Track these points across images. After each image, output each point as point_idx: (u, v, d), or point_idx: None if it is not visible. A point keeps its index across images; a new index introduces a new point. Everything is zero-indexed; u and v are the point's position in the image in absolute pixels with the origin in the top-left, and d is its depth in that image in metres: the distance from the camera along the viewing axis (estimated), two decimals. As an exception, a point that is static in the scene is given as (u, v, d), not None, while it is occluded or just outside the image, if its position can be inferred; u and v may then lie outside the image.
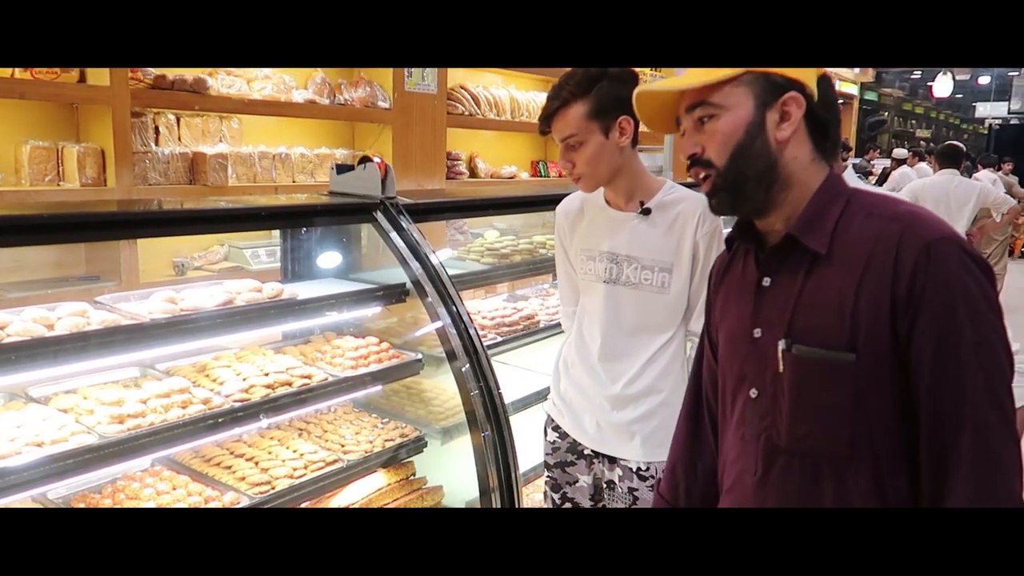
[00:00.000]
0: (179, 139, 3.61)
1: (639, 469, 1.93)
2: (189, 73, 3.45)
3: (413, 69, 4.50)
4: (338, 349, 2.31)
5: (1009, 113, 14.39)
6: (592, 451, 2.00)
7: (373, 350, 2.30)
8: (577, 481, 2.05)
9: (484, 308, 2.78)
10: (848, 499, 1.10)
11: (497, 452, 2.26)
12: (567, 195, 2.11)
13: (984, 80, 15.67)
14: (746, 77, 1.12)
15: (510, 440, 2.28)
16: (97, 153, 3.10)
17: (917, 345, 1.03)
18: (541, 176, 5.77)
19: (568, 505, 2.06)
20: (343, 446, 2.20)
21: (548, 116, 1.85)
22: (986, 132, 15.68)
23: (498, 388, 2.28)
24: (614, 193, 1.94)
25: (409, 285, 2.33)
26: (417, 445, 2.35)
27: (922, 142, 15.40)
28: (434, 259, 2.33)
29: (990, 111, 15.52)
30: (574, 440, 2.03)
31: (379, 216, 2.36)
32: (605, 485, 2.01)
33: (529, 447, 2.38)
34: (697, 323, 1.87)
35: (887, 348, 1.04)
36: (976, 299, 1.02)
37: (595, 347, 1.97)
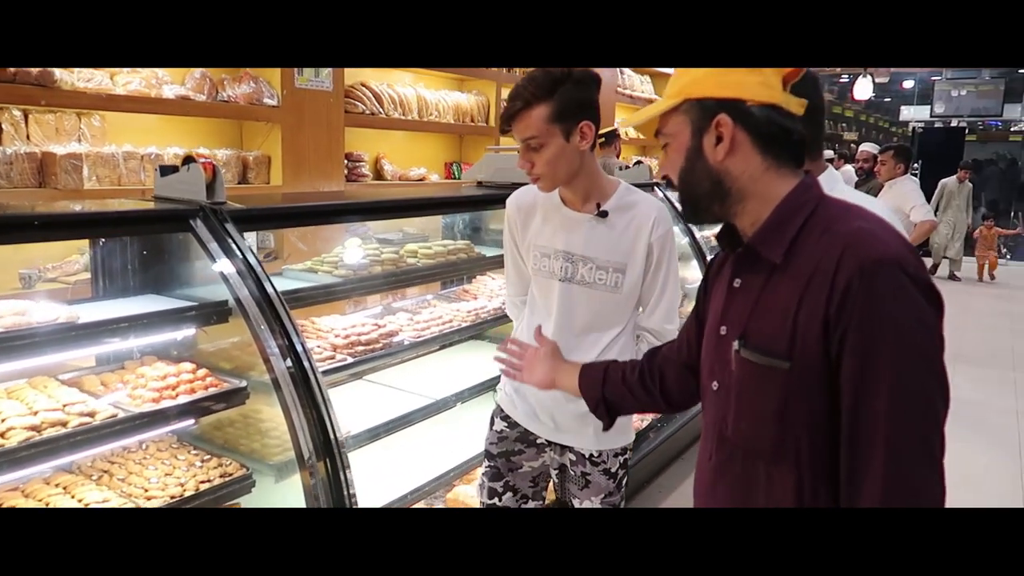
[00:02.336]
0: (27, 137, 3.20)
1: (591, 455, 2.00)
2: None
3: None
4: (142, 379, 1.95)
5: (931, 116, 14.52)
6: (547, 440, 2.04)
7: (185, 378, 1.94)
8: (522, 468, 2.08)
9: (339, 325, 2.45)
10: (775, 495, 1.13)
11: (331, 493, 1.94)
12: (451, 199, 1.90)
13: (908, 84, 15.79)
14: (684, 106, 1.16)
15: (346, 478, 1.95)
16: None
17: (845, 365, 1.03)
18: (455, 178, 5.45)
19: (509, 494, 2.08)
20: (146, 491, 1.85)
21: (509, 116, 1.82)
22: (911, 135, 15.85)
23: (332, 419, 1.95)
24: (571, 193, 1.93)
25: (232, 303, 2.00)
26: (244, 485, 2.01)
27: (852, 144, 15.44)
28: (261, 273, 1.99)
29: (913, 114, 15.65)
30: (526, 430, 2.05)
31: (198, 224, 2.01)
32: (557, 469, 2.08)
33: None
34: (649, 320, 1.99)
35: (818, 362, 1.05)
36: (904, 326, 1.01)
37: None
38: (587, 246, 1.91)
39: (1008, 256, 11.86)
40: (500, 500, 2.08)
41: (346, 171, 4.60)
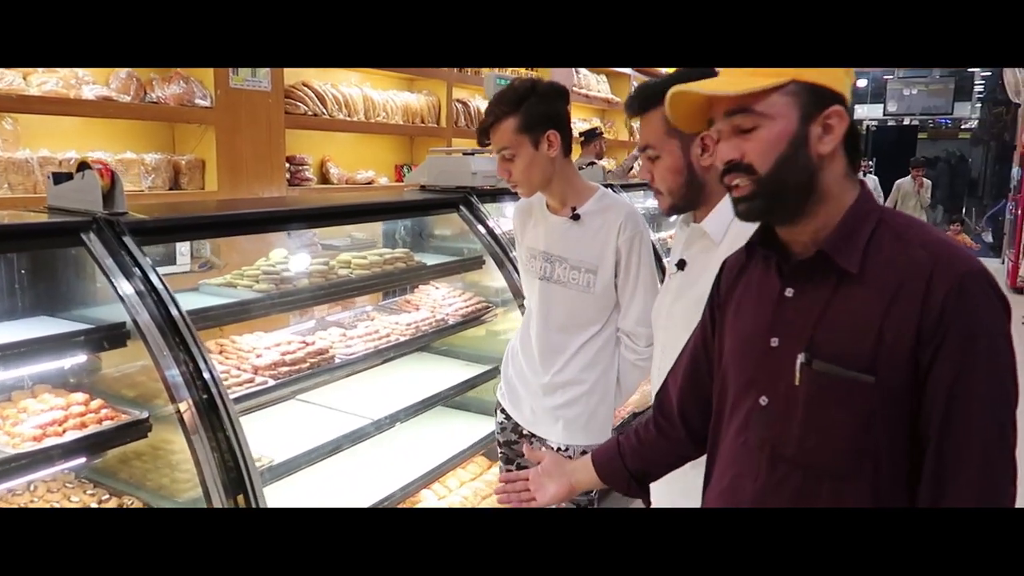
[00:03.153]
0: (-72, 142, 2.93)
1: (559, 449, 2.10)
2: (-68, 63, 2.78)
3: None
4: (24, 413, 1.72)
5: (884, 115, 14.63)
6: (529, 431, 2.18)
7: (76, 411, 1.72)
8: (523, 456, 2.17)
9: (262, 344, 2.23)
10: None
11: (244, 535, 1.72)
12: (388, 205, 2.23)
13: (861, 83, 15.93)
14: (791, 86, 1.06)
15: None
16: None
17: (936, 375, 1.02)
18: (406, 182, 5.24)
19: None
20: (30, 540, 1.62)
21: (484, 130, 2.00)
22: (864, 133, 15.99)
23: (244, 452, 1.74)
24: (551, 198, 2.07)
25: (130, 325, 1.78)
26: (147, 528, 1.79)
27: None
28: (163, 291, 1.78)
29: (867, 113, 15.79)
30: (516, 421, 2.21)
31: (91, 238, 1.79)
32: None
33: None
34: (625, 321, 2.05)
35: (906, 374, 1.03)
36: (995, 335, 1.02)
37: (533, 337, 2.12)
38: (562, 246, 2.03)
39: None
40: None
41: (288, 175, 4.37)
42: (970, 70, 14.45)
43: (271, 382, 2.07)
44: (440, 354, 3.19)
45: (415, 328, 2.66)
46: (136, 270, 1.76)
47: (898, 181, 10.75)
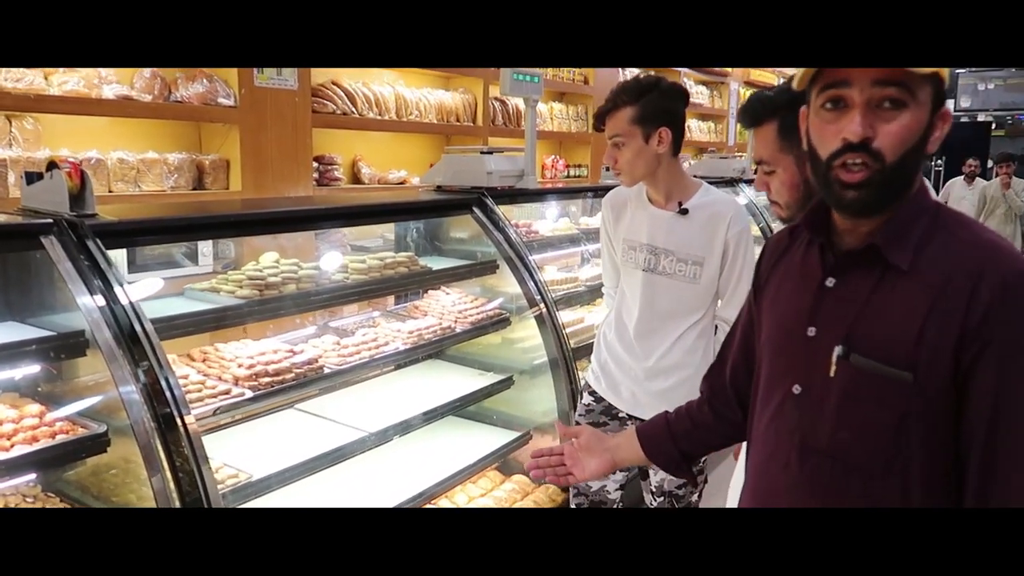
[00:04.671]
0: (-52, 142, 2.92)
1: None
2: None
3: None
4: (-26, 427, 1.62)
5: (956, 111, 13.86)
6: (627, 414, 2.22)
7: (28, 424, 1.61)
8: (608, 425, 2.25)
9: (246, 353, 2.10)
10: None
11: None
12: (398, 206, 2.24)
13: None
14: (933, 77, 1.01)
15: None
16: None
17: (979, 380, 0.98)
18: (440, 180, 5.10)
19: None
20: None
21: (600, 116, 2.06)
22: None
23: (202, 475, 1.61)
24: (655, 192, 2.12)
25: (90, 333, 1.67)
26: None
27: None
28: (124, 298, 1.66)
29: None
30: (610, 404, 2.26)
31: (52, 242, 1.68)
32: None
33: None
34: (726, 310, 2.11)
35: (946, 376, 0.99)
36: None
37: (631, 325, 2.17)
38: (668, 240, 2.09)
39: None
40: None
41: (317, 175, 4.27)
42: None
43: (249, 393, 1.94)
44: (454, 362, 3.03)
45: (418, 336, 2.51)
46: (94, 276, 1.65)
47: (983, 184, 8.46)
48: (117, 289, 1.66)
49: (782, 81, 1.65)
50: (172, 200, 3.49)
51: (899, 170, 1.01)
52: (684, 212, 2.08)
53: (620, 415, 2.24)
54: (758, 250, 1.39)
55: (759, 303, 1.26)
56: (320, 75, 4.25)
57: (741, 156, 5.95)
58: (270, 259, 2.25)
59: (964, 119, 14.55)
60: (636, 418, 2.19)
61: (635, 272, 2.15)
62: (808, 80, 1.05)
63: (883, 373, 1.02)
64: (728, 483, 1.68)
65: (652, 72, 5.85)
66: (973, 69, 13.33)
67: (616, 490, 2.34)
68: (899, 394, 1.01)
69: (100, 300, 1.63)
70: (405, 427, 2.38)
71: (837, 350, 1.06)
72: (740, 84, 9.97)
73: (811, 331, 1.10)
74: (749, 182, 5.23)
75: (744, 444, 1.35)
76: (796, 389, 1.12)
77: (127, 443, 1.72)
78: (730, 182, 5.12)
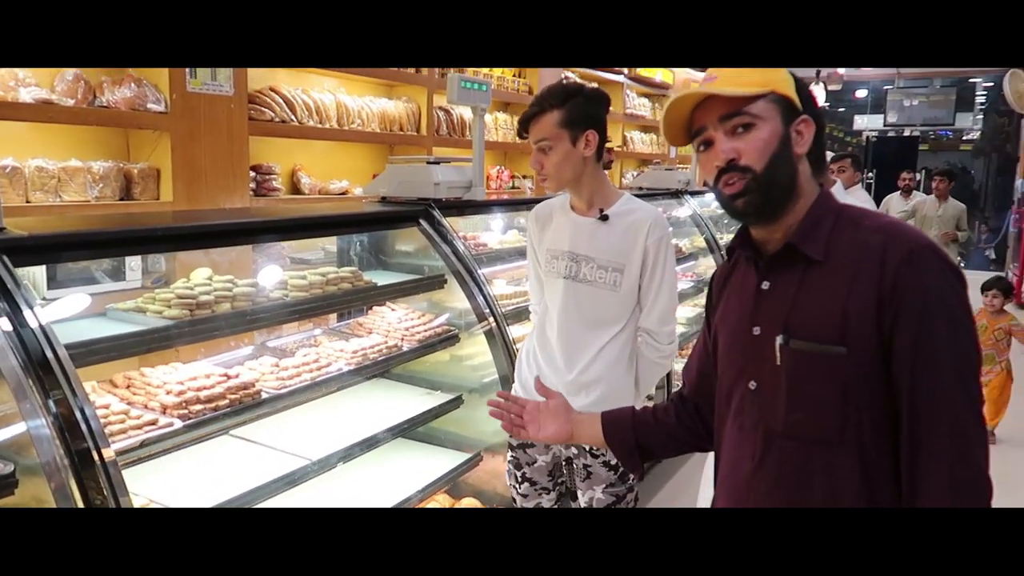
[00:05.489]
0: None
1: (591, 449, 2.11)
2: None
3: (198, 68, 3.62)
4: None
5: (885, 125, 14.30)
6: None
7: (-81, 467, 1.43)
8: (536, 462, 2.22)
9: (175, 378, 1.93)
10: (836, 479, 1.17)
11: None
12: (334, 219, 2.20)
13: (861, 93, 15.60)
14: (772, 95, 1.20)
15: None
16: None
17: (898, 340, 1.11)
18: (384, 191, 4.95)
19: (527, 484, 2.23)
20: None
21: (526, 120, 2.04)
22: (865, 144, 15.65)
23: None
24: (578, 199, 2.12)
25: (-7, 363, 1.48)
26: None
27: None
28: (33, 320, 1.48)
29: (867, 124, 15.46)
30: None
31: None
32: (564, 462, 2.21)
33: None
34: (647, 320, 2.11)
35: (873, 343, 1.13)
36: (949, 300, 1.12)
37: (554, 337, 2.14)
38: (589, 246, 2.08)
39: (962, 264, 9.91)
40: (520, 488, 2.24)
41: (255, 185, 4.09)
42: (972, 80, 14.15)
43: (178, 423, 1.78)
44: (401, 380, 2.90)
45: (362, 355, 2.37)
46: (2, 298, 1.47)
47: (919, 198, 8.03)
48: (27, 311, 1.49)
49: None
50: (96, 211, 3.27)
51: (771, 173, 1.18)
52: (605, 218, 2.07)
53: None
54: (711, 267, 1.48)
55: (712, 321, 1.40)
56: (257, 81, 4.07)
57: (685, 168, 5.96)
58: (202, 276, 2.08)
59: (891, 133, 15.04)
60: None
61: (557, 280, 2.13)
62: (692, 139, 1.25)
63: (820, 352, 1.15)
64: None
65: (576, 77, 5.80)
66: (900, 86, 13.78)
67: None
68: (837, 367, 1.14)
69: (6, 324, 1.45)
70: (349, 453, 2.23)
71: (778, 339, 1.19)
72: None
73: (756, 330, 1.24)
74: (694, 193, 5.23)
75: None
76: (752, 385, 1.25)
77: (38, 483, 1.54)
78: (675, 194, 5.12)
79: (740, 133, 1.19)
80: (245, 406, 1.93)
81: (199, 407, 1.84)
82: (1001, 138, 14.58)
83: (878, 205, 7.53)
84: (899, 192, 8.25)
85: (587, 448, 2.09)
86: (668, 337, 2.13)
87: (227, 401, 1.91)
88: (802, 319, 1.18)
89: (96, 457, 1.45)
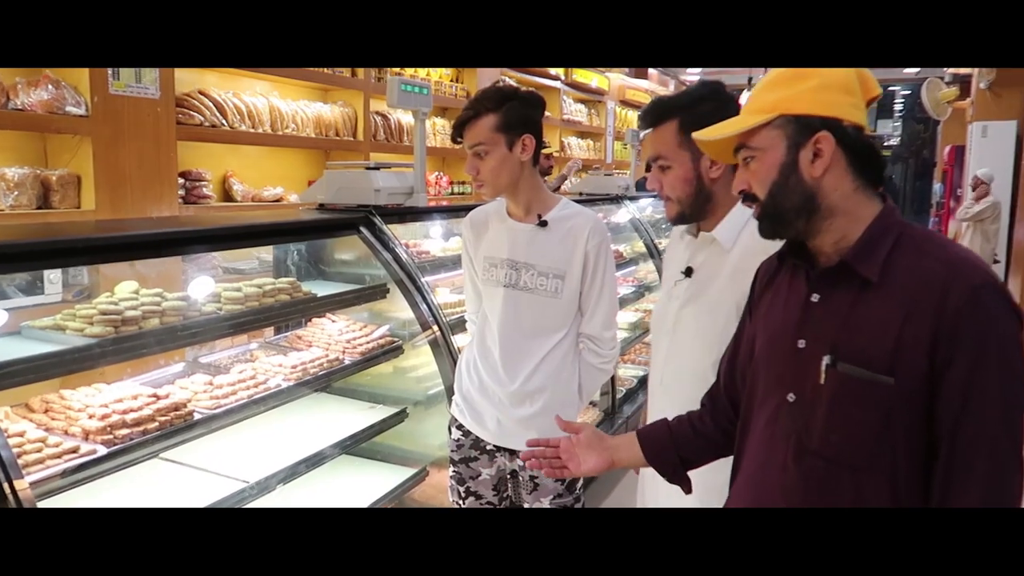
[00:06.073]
0: None
1: None
2: None
3: (121, 68, 3.44)
4: None
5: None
6: (494, 446, 2.11)
7: None
8: (480, 475, 2.15)
9: (99, 401, 1.79)
10: (864, 500, 1.15)
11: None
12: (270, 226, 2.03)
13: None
14: (779, 120, 1.18)
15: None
16: None
17: (950, 378, 1.08)
18: (320, 197, 4.80)
19: (471, 498, 2.16)
20: None
21: (461, 124, 1.97)
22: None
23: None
24: (515, 206, 2.06)
25: None
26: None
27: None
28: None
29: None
30: (477, 437, 2.13)
31: None
32: (509, 475, 2.14)
33: None
34: (588, 325, 2.08)
35: (922, 376, 1.09)
36: (1007, 342, 1.09)
37: (495, 347, 2.06)
38: (529, 253, 2.02)
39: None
40: (464, 503, 2.17)
41: (183, 192, 3.91)
42: (891, 88, 14.71)
43: (102, 450, 1.64)
44: (343, 395, 2.78)
45: (302, 370, 2.25)
46: None
47: None
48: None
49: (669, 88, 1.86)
50: (11, 221, 3.06)
51: (772, 202, 1.19)
52: (543, 224, 2.01)
53: (488, 447, 2.11)
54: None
55: (754, 321, 1.36)
56: (185, 83, 3.89)
57: (624, 173, 5.98)
58: (128, 289, 1.94)
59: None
60: (504, 449, 2.08)
61: (496, 289, 2.06)
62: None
63: (867, 378, 1.12)
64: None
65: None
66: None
67: None
68: (882, 396, 1.11)
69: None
70: (290, 473, 2.12)
71: (825, 359, 1.16)
72: (616, 103, 10.17)
73: (801, 343, 1.20)
74: (633, 199, 5.24)
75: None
76: (791, 397, 1.22)
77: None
78: (615, 199, 5.12)
79: (748, 163, 1.21)
80: (176, 428, 1.80)
81: (125, 431, 1.71)
82: (918, 144, 15.20)
83: None
84: None
85: None
86: (610, 343, 2.11)
87: (156, 424, 1.77)
88: (852, 342, 1.14)
89: (7, 490, 1.31)
